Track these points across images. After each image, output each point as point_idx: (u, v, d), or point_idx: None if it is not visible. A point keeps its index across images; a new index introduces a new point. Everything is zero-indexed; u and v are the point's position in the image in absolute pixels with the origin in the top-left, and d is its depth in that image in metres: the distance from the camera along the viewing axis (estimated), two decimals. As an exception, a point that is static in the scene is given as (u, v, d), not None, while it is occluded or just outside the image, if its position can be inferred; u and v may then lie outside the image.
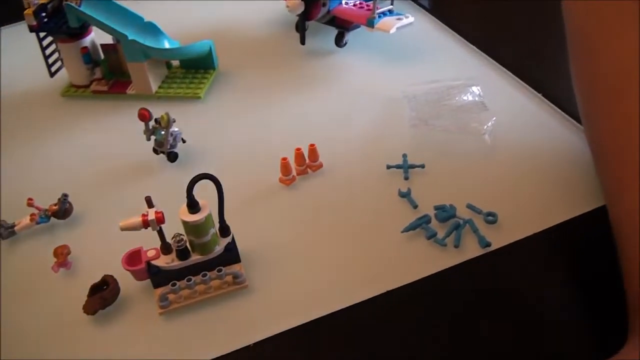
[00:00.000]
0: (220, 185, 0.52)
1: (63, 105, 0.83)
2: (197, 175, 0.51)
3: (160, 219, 0.52)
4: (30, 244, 0.63)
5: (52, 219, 0.64)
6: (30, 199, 0.64)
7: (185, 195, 0.51)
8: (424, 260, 0.56)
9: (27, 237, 0.64)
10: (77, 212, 0.65)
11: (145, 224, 0.52)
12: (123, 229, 0.52)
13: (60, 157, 0.74)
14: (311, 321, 0.52)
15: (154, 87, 0.81)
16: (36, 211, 0.64)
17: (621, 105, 0.52)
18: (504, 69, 0.79)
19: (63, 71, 0.85)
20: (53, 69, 0.84)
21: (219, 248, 0.55)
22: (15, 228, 0.63)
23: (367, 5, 0.84)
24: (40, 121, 0.80)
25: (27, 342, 0.53)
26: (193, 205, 0.52)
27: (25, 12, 0.78)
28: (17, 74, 0.91)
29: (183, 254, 0.54)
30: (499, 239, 0.57)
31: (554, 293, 0.53)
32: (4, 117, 0.82)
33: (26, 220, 0.64)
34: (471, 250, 0.56)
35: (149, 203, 0.53)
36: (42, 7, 0.78)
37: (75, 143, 0.76)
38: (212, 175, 0.51)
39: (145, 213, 0.52)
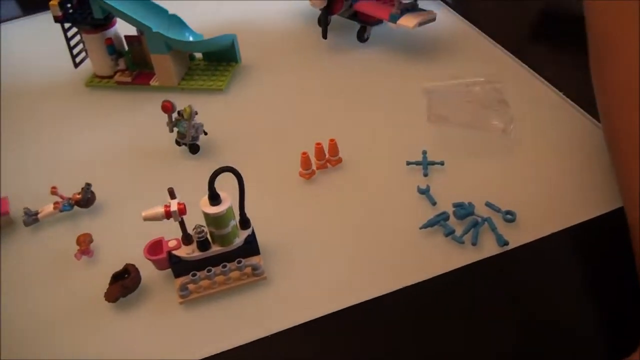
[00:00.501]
0: (242, 178, 0.53)
1: (87, 95, 0.84)
2: (219, 168, 0.51)
3: (182, 210, 0.53)
4: (53, 231, 0.64)
5: (75, 208, 0.65)
6: (54, 187, 0.65)
7: (206, 186, 0.52)
8: (441, 257, 0.56)
9: (50, 225, 0.65)
10: (100, 202, 0.66)
11: (168, 214, 0.53)
12: (146, 219, 0.53)
13: (84, 147, 0.75)
14: (328, 314, 0.53)
15: (177, 79, 0.81)
16: (60, 199, 0.65)
17: (637, 109, 0.52)
18: (526, 67, 0.79)
19: (87, 62, 0.86)
20: (77, 59, 0.85)
21: (238, 240, 0.56)
22: (39, 215, 0.65)
23: (390, 0, 0.84)
24: (64, 111, 0.82)
25: (49, 328, 0.54)
26: (214, 198, 0.53)
27: (51, 2, 0.79)
28: (42, 63, 0.92)
29: (203, 245, 0.55)
30: (517, 238, 0.57)
31: (569, 294, 0.53)
32: (29, 106, 0.83)
33: (49, 208, 0.65)
34: (489, 248, 0.56)
35: (172, 194, 0.54)
36: (67, -2, 0.80)
37: (98, 133, 0.77)
38: (233, 168, 0.52)
39: (168, 204, 0.53)
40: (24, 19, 1.07)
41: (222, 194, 0.53)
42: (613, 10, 0.58)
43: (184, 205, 0.53)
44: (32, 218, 0.64)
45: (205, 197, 0.53)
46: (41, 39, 0.99)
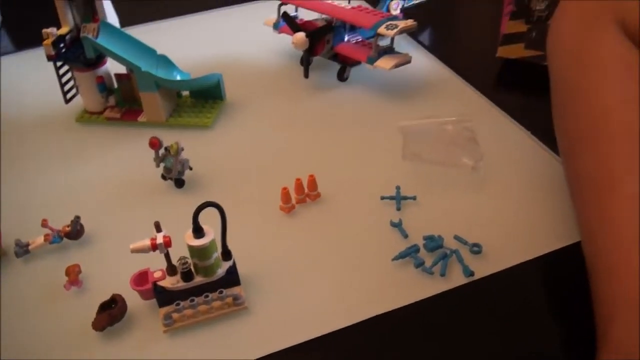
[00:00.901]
0: (224, 212, 0.56)
1: (78, 130, 0.88)
2: (203, 203, 0.55)
3: (167, 243, 0.56)
4: (43, 262, 0.67)
5: (65, 240, 0.68)
6: (44, 220, 0.68)
7: (190, 220, 0.55)
8: (412, 287, 0.59)
9: (41, 256, 0.67)
10: (89, 234, 0.69)
11: (154, 247, 0.56)
12: (133, 251, 0.56)
13: (74, 180, 0.78)
14: (305, 342, 0.56)
15: (165, 115, 0.85)
16: (50, 232, 0.68)
17: (599, 147, 0.56)
18: (496, 107, 0.84)
19: (78, 97, 0.90)
20: (68, 95, 0.89)
21: (221, 271, 0.59)
22: (30, 247, 0.67)
23: (369, 43, 0.89)
24: (55, 145, 0.85)
25: (40, 356, 0.57)
26: (198, 231, 0.56)
27: (44, 42, 0.82)
28: (34, 98, 0.96)
29: (187, 276, 0.58)
30: (482, 269, 0.60)
31: (531, 322, 0.56)
32: (21, 140, 0.87)
33: (40, 239, 0.68)
34: (456, 279, 0.60)
35: (158, 227, 0.57)
36: (60, 38, 0.83)
37: (88, 167, 0.80)
38: (216, 203, 0.55)
39: (154, 237, 0.56)
40: (16, 54, 1.11)
41: (205, 227, 0.56)
42: (575, 62, 0.62)
43: (169, 238, 0.56)
44: (23, 249, 0.67)
45: (190, 231, 0.56)
46: (33, 74, 1.03)
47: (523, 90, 0.90)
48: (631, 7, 0.58)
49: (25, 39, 1.15)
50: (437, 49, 0.99)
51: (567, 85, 0.62)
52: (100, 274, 0.64)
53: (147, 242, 0.56)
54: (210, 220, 0.56)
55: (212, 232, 0.57)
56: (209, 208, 0.54)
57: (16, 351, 0.57)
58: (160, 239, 0.56)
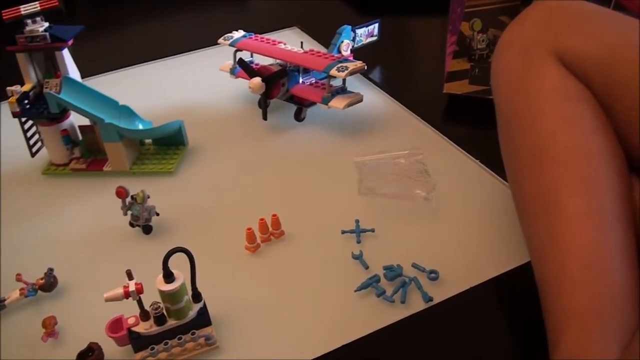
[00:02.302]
0: (192, 257, 0.59)
1: (44, 183, 0.90)
2: (172, 249, 0.58)
3: (139, 290, 0.59)
4: (20, 316, 0.68)
5: (39, 292, 0.70)
6: (18, 275, 0.69)
7: (160, 264, 0.57)
8: (375, 316, 0.63)
9: (17, 310, 0.69)
10: (62, 285, 0.71)
11: (127, 294, 0.58)
12: (107, 300, 0.59)
13: (44, 233, 0.80)
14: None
15: (129, 163, 0.88)
16: (24, 285, 0.69)
17: (544, 169, 0.61)
18: (446, 139, 0.89)
19: (43, 150, 0.92)
20: (34, 149, 0.91)
21: (192, 313, 0.61)
22: (6, 302, 0.69)
23: (323, 84, 0.93)
24: (23, 199, 0.87)
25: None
26: (168, 276, 0.59)
27: (9, 100, 0.85)
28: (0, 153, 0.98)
29: (160, 319, 0.60)
30: (440, 294, 0.64)
31: (489, 338, 0.60)
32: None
33: (16, 294, 0.69)
34: (416, 305, 0.64)
35: (129, 276, 0.59)
36: (24, 95, 0.86)
37: (57, 219, 0.82)
38: (185, 248, 0.58)
39: (127, 285, 0.59)
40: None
41: (175, 272, 0.59)
42: (517, 93, 0.66)
43: (141, 285, 0.59)
44: (0, 304, 0.69)
45: (160, 276, 0.59)
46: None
47: (470, 122, 0.95)
48: (568, 41, 0.63)
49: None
50: (387, 86, 1.05)
51: (511, 115, 0.66)
52: (76, 324, 0.66)
53: (120, 291, 0.59)
54: (179, 265, 0.58)
55: (181, 276, 0.59)
56: (178, 253, 0.57)
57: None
58: (132, 287, 0.58)
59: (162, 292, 0.59)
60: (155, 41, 1.33)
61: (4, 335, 0.66)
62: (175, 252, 0.58)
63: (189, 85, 1.13)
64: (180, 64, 1.22)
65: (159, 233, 0.77)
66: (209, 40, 1.19)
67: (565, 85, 0.62)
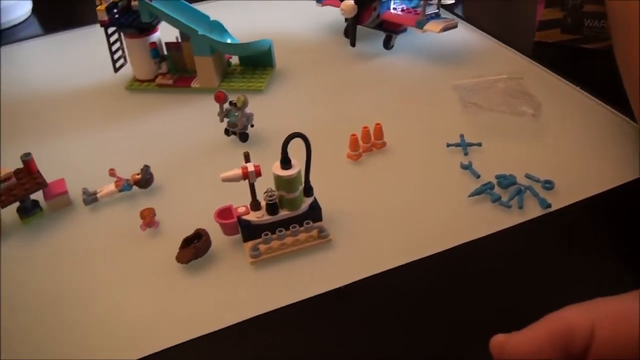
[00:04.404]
0: (310, 144, 0.57)
1: (129, 97, 0.88)
2: (290, 135, 0.56)
3: (258, 171, 0.57)
4: (113, 210, 0.67)
5: (134, 189, 0.69)
6: (112, 170, 0.68)
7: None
8: (491, 220, 0.61)
9: (109, 205, 0.68)
10: (158, 183, 0.70)
11: (245, 175, 0.57)
12: (224, 179, 0.57)
13: (132, 138, 0.79)
14: (388, 270, 0.57)
15: (218, 81, 0.86)
16: (118, 180, 0.68)
17: None
18: (542, 67, 0.86)
19: (126, 67, 0.91)
20: (117, 64, 0.90)
21: (304, 206, 0.60)
22: (98, 195, 0.67)
23: (414, 10, 0.91)
24: (108, 109, 0.86)
25: (121, 291, 0.57)
26: (286, 162, 0.57)
27: (98, 7, 0.83)
28: (76, 74, 0.97)
29: (273, 208, 0.59)
30: (558, 202, 0.62)
31: (612, 248, 0.58)
32: (74, 106, 0.88)
33: (110, 187, 0.68)
34: (533, 211, 0.61)
35: (247, 158, 0.58)
36: (113, 4, 0.85)
37: (146, 126, 0.81)
38: (303, 134, 0.56)
39: (244, 166, 0.57)
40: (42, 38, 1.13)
41: (291, 160, 0.57)
42: None
43: (260, 168, 0.57)
44: (91, 197, 0.67)
45: (277, 163, 0.57)
46: (70, 53, 1.05)
47: (563, 54, 0.92)
48: None
49: (51, 24, 1.17)
50: (475, 21, 1.02)
51: (630, 15, 0.64)
52: (176, 218, 0.64)
53: (238, 171, 0.57)
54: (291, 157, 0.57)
55: (298, 165, 0.58)
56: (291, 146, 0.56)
57: (99, 292, 0.57)
58: (251, 167, 0.57)
59: (279, 178, 0.57)
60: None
61: (100, 225, 0.65)
62: (294, 137, 0.56)
63: (274, 17, 1.11)
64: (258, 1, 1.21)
65: (254, 142, 0.75)
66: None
67: None
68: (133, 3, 0.86)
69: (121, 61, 0.91)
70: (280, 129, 0.76)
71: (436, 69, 0.89)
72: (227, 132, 0.76)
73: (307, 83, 0.88)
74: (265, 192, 0.58)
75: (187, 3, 0.86)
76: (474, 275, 0.56)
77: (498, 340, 0.38)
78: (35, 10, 1.24)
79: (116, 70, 0.90)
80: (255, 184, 0.58)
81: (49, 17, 1.22)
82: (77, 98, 0.90)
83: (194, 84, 0.87)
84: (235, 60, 0.92)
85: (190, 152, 0.75)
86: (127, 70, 0.91)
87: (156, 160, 0.73)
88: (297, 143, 0.56)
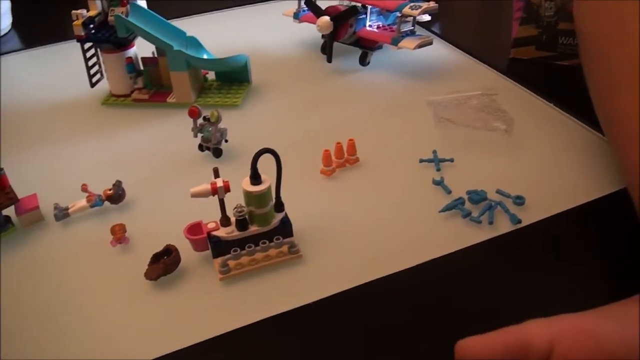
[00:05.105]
0: (280, 160, 0.57)
1: (105, 112, 0.88)
2: (260, 150, 0.56)
3: (227, 187, 0.57)
4: (84, 225, 0.66)
5: (105, 204, 0.68)
6: (84, 185, 0.68)
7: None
8: (462, 235, 0.61)
9: (81, 220, 0.67)
10: (130, 198, 0.69)
11: (214, 191, 0.56)
12: (193, 195, 0.57)
13: (107, 154, 0.78)
14: (359, 285, 0.56)
15: (194, 96, 0.86)
16: (90, 195, 0.67)
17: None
18: (515, 83, 0.87)
19: (102, 82, 0.91)
20: (94, 79, 0.90)
21: (275, 221, 0.59)
22: (70, 210, 0.67)
23: (389, 28, 0.92)
24: (84, 124, 0.85)
25: (89, 309, 0.56)
26: (256, 177, 0.57)
27: (74, 23, 0.83)
28: (53, 89, 0.96)
29: (242, 224, 0.58)
30: (528, 218, 0.62)
31: (578, 266, 0.58)
32: (49, 121, 0.87)
33: (82, 202, 0.67)
34: (503, 227, 0.62)
35: (216, 173, 0.58)
36: (90, 20, 0.85)
37: (120, 142, 0.81)
38: (273, 150, 0.56)
39: (214, 182, 0.57)
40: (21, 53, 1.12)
41: (262, 176, 0.57)
42: (604, 15, 0.64)
43: (229, 183, 0.57)
44: (63, 213, 0.67)
45: (247, 178, 0.57)
46: (46, 68, 1.05)
47: (537, 71, 0.93)
48: None
49: (32, 38, 1.17)
50: (451, 37, 1.03)
51: (600, 36, 0.64)
52: (146, 233, 0.64)
53: (207, 186, 0.57)
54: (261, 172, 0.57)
55: (268, 180, 0.57)
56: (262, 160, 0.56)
57: (62, 308, 0.57)
58: (220, 183, 0.57)
59: (248, 194, 0.57)
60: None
61: (70, 241, 0.64)
62: (264, 153, 0.56)
63: (251, 33, 1.11)
64: (239, 15, 1.21)
65: (228, 157, 0.75)
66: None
67: None
68: (109, 18, 0.86)
69: (98, 76, 0.91)
70: (255, 144, 0.76)
71: (411, 85, 0.89)
72: (201, 147, 0.76)
73: (282, 99, 0.88)
74: (235, 207, 0.58)
75: (163, 19, 0.86)
76: (446, 291, 0.56)
77: (460, 344, 0.40)
78: (15, 24, 1.23)
79: (92, 85, 0.90)
80: (226, 199, 0.58)
81: (29, 32, 1.22)
82: (53, 113, 0.89)
83: (170, 99, 0.87)
84: (211, 75, 0.92)
85: (163, 167, 0.75)
86: (104, 85, 0.91)
87: (129, 176, 0.72)
88: (269, 158, 0.56)
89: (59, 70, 1.02)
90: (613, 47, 0.62)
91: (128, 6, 0.85)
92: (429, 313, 0.54)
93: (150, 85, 0.89)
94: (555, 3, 0.89)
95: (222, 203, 0.58)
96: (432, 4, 0.86)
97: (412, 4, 0.85)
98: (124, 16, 0.82)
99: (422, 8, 0.84)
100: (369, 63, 0.94)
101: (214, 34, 1.09)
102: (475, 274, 0.58)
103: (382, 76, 0.92)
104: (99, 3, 0.87)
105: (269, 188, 0.57)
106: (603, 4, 0.64)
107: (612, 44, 0.62)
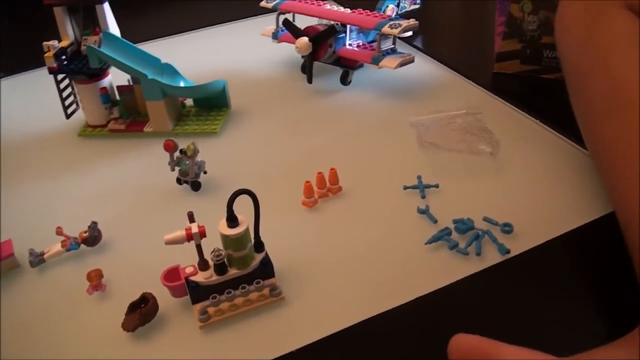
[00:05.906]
0: (257, 200, 0.55)
1: (81, 144, 0.86)
2: (236, 191, 0.54)
3: (202, 232, 0.54)
4: (60, 271, 0.64)
5: (81, 247, 0.66)
6: (59, 228, 0.65)
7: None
8: (450, 268, 0.59)
9: (57, 265, 0.65)
10: (106, 240, 0.67)
11: (189, 237, 0.54)
12: (167, 242, 0.54)
13: (83, 190, 0.76)
14: (346, 328, 0.54)
15: (171, 124, 0.84)
16: (65, 239, 0.65)
17: (621, 116, 0.58)
18: (500, 99, 0.85)
19: (78, 113, 0.88)
20: (69, 110, 0.87)
21: (254, 263, 0.57)
22: (45, 256, 0.65)
23: (370, 46, 0.90)
24: (60, 159, 0.83)
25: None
26: (233, 219, 0.55)
27: (46, 55, 0.81)
28: (32, 119, 0.94)
29: (221, 268, 0.56)
30: (517, 247, 0.60)
31: (568, 293, 0.56)
32: (25, 157, 0.85)
33: (57, 247, 0.65)
34: (492, 257, 0.60)
35: (191, 218, 0.55)
36: (62, 51, 0.82)
37: (97, 176, 0.78)
38: (250, 190, 0.54)
39: (188, 227, 0.55)
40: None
41: (239, 217, 0.55)
42: (584, 44, 0.64)
43: (204, 228, 0.55)
44: (38, 258, 0.64)
45: (223, 220, 0.55)
46: (20, 98, 1.02)
47: (522, 85, 0.91)
48: None
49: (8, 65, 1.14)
50: (433, 52, 1.01)
51: (582, 64, 0.64)
52: (123, 278, 0.62)
53: (182, 232, 0.55)
54: (239, 211, 0.55)
55: (246, 221, 0.55)
56: (239, 199, 0.53)
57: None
58: (195, 229, 0.54)
59: (225, 237, 0.55)
60: (195, 12, 1.30)
61: (45, 289, 0.62)
62: (240, 194, 0.54)
63: (228, 53, 1.09)
64: (218, 34, 1.19)
65: (207, 190, 0.73)
66: (248, 11, 1.15)
67: (636, 30, 0.60)
68: (82, 48, 0.83)
69: (73, 107, 0.88)
70: (234, 175, 0.75)
71: (394, 104, 0.87)
72: (179, 181, 0.73)
73: (262, 124, 0.86)
74: (212, 252, 0.56)
75: (136, 47, 0.84)
76: (435, 327, 0.54)
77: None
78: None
79: (68, 116, 0.87)
80: (203, 241, 0.56)
81: (4, 60, 1.19)
82: (28, 146, 0.87)
83: (147, 129, 0.85)
84: (190, 101, 0.90)
85: (140, 204, 0.73)
86: (80, 116, 0.89)
87: (106, 214, 0.70)
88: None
89: (35, 100, 1.00)
90: (593, 80, 0.61)
91: (100, 35, 0.82)
92: (419, 353, 0.52)
93: (126, 115, 0.87)
94: (538, 17, 0.87)
95: (199, 247, 0.56)
96: (412, 21, 0.83)
97: (391, 22, 0.83)
98: (96, 46, 0.80)
99: (402, 27, 0.82)
100: (350, 82, 0.92)
101: (191, 56, 1.07)
102: (464, 309, 0.55)
103: (364, 95, 0.90)
104: (71, 32, 0.84)
105: (246, 229, 0.55)
106: (584, 35, 0.63)
107: (592, 75, 0.61)
